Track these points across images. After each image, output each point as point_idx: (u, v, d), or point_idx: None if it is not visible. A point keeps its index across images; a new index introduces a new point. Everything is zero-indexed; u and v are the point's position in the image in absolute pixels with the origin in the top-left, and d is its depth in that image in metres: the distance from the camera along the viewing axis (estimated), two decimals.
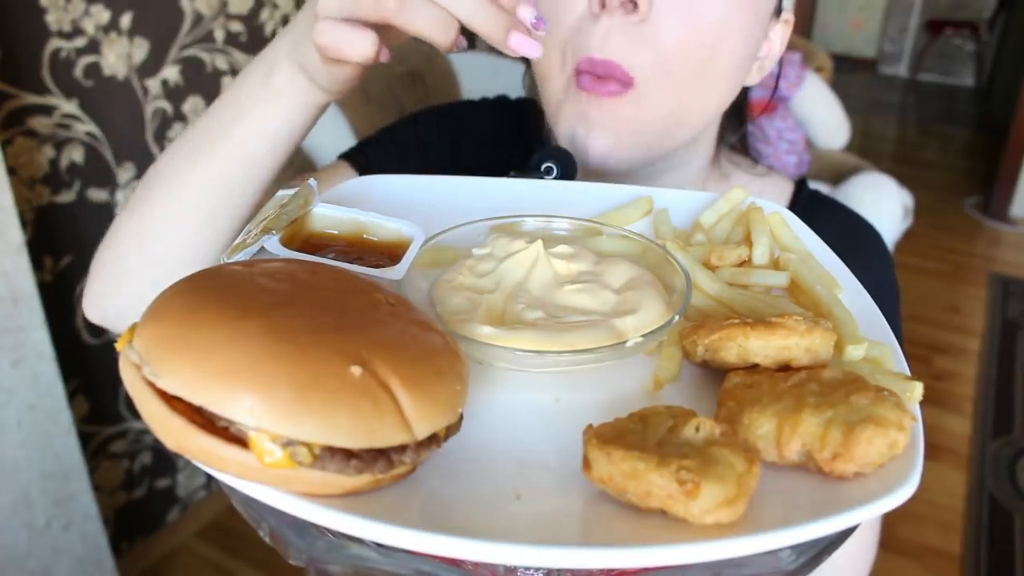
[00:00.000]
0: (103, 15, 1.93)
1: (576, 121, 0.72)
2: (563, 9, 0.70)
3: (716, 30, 0.68)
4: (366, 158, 0.89)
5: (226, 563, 2.42)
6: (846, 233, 0.80)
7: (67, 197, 1.97)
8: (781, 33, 0.78)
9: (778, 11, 0.76)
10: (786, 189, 0.89)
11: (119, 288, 0.73)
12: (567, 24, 0.70)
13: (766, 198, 0.83)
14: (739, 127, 0.88)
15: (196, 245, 0.70)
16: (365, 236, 0.59)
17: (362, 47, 0.55)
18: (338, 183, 0.85)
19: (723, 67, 0.71)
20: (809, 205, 0.87)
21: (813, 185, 0.91)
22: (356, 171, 0.88)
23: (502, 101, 0.99)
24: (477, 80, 2.93)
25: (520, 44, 0.54)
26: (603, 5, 0.67)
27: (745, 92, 0.86)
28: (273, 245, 0.54)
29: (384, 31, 0.56)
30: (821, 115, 3.04)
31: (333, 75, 0.61)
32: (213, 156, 0.68)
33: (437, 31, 0.53)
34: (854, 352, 0.50)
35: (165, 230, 0.69)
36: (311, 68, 0.62)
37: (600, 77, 0.69)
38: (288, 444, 0.36)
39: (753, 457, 0.39)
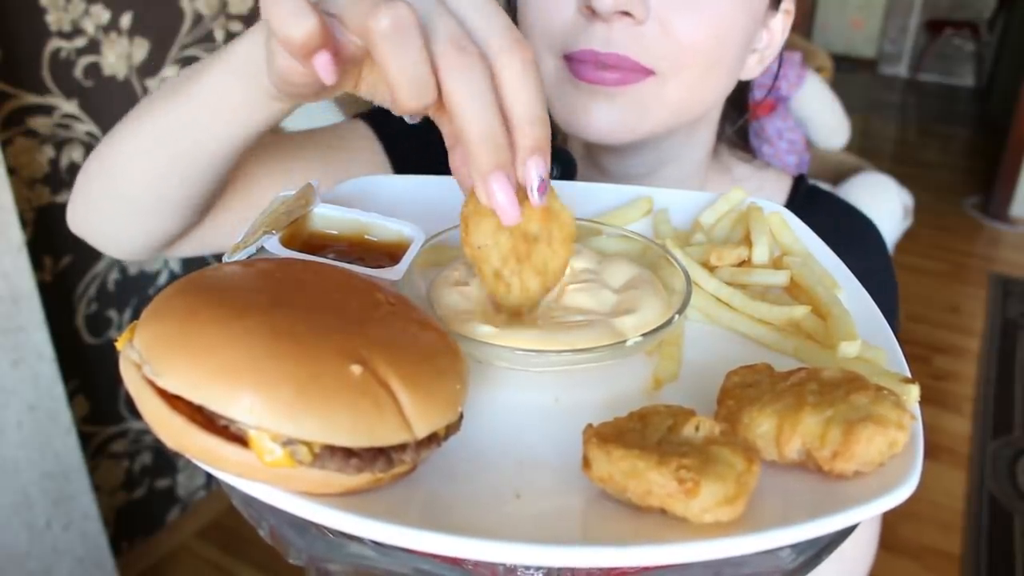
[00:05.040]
0: (103, 15, 1.93)
1: (574, 101, 0.71)
2: (551, 8, 0.70)
3: (721, 23, 0.68)
4: (386, 119, 0.85)
5: (226, 563, 2.42)
6: (843, 225, 0.80)
7: (67, 197, 1.96)
8: (782, 23, 0.78)
9: (776, 1, 0.76)
10: (785, 183, 0.89)
11: (87, 215, 0.74)
12: (557, 22, 0.70)
13: (766, 191, 0.82)
14: (737, 120, 0.88)
15: (155, 189, 0.67)
16: (366, 236, 0.59)
17: (297, 30, 0.42)
18: (355, 141, 0.82)
19: (727, 58, 0.71)
20: (808, 198, 0.87)
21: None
22: (373, 130, 0.85)
23: None
24: None
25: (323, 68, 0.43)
26: (593, 12, 0.66)
27: (746, 86, 0.86)
28: (273, 245, 0.54)
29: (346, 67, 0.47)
30: (821, 115, 3.04)
31: (276, 67, 0.49)
32: (178, 108, 0.62)
33: (409, 89, 0.43)
34: (847, 349, 0.50)
35: (127, 168, 0.67)
36: (267, 59, 0.51)
37: (606, 66, 0.68)
38: (288, 443, 0.36)
39: (753, 456, 0.39)
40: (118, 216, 0.71)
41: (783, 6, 0.77)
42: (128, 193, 0.68)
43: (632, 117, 0.70)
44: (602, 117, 0.70)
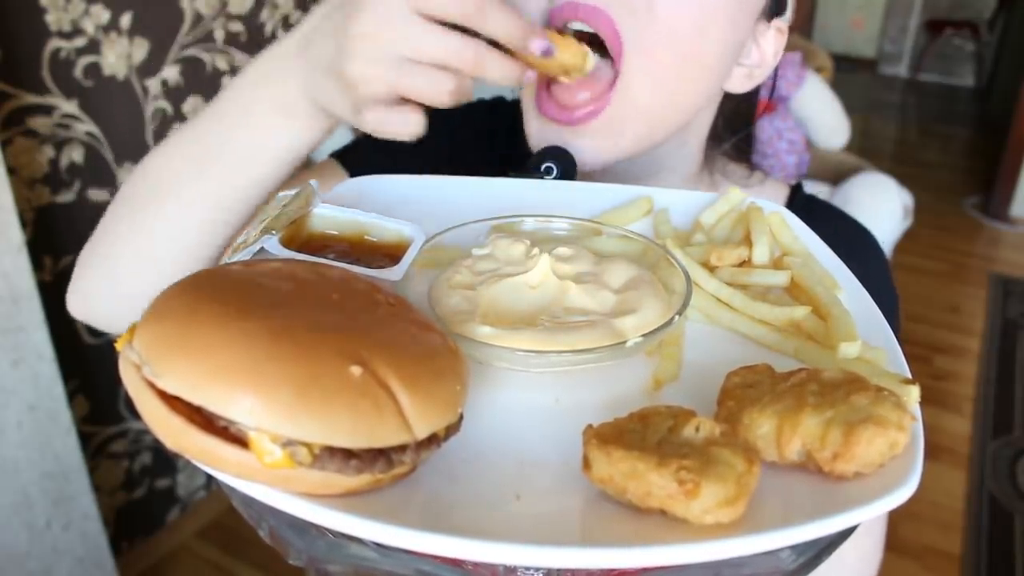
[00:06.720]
0: (103, 15, 1.93)
1: (546, 136, 0.72)
2: None
3: (705, 8, 0.67)
4: (357, 156, 0.88)
5: (226, 563, 2.42)
6: (841, 236, 0.79)
7: (67, 197, 1.97)
8: (774, 42, 0.76)
9: (770, 15, 0.74)
10: (780, 195, 0.88)
11: (111, 291, 0.72)
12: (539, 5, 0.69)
13: (761, 200, 0.82)
14: (731, 136, 0.87)
15: (193, 254, 0.69)
16: (366, 237, 0.59)
17: (412, 128, 0.59)
18: (328, 181, 0.85)
19: (706, 56, 0.70)
20: (805, 209, 0.86)
21: (813, 185, 0.91)
22: (346, 170, 0.86)
23: (499, 101, 0.98)
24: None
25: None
26: None
27: (743, 100, 0.85)
28: (273, 245, 0.54)
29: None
30: (821, 115, 3.04)
31: (360, 113, 0.59)
32: (216, 173, 0.66)
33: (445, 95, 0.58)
34: (848, 350, 0.50)
35: (163, 242, 0.69)
36: (335, 109, 0.60)
37: (564, 107, 0.69)
38: (288, 444, 0.36)
39: (753, 457, 0.39)
40: (123, 309, 0.71)
41: (775, 23, 0.75)
42: (158, 265, 0.69)
43: (607, 142, 0.71)
44: (577, 149, 0.71)
